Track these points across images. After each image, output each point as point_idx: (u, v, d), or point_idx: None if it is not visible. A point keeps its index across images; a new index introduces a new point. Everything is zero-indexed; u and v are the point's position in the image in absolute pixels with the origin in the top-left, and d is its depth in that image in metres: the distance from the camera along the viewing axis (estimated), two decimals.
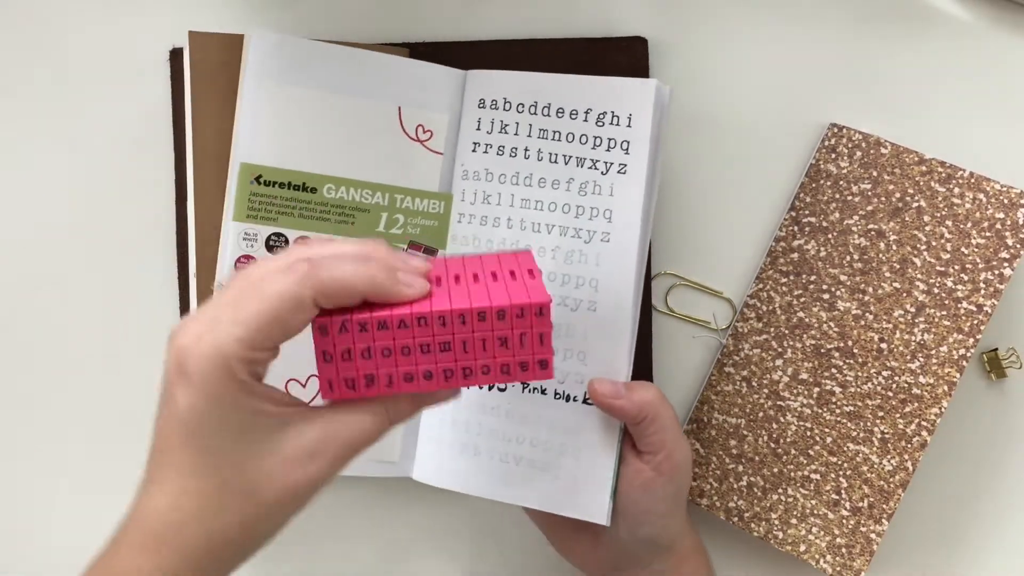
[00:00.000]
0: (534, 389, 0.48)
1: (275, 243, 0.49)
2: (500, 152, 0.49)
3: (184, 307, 0.53)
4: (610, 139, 0.47)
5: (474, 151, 0.50)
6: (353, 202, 0.49)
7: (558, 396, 0.48)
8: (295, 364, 0.49)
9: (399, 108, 0.50)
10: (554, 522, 0.50)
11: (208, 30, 0.49)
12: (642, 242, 0.47)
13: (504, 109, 0.49)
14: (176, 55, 0.54)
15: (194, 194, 0.50)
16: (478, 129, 0.50)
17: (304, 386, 0.50)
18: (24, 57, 0.55)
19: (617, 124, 0.47)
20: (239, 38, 0.49)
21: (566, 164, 0.48)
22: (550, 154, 0.48)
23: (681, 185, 0.55)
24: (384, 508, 0.56)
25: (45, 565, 0.55)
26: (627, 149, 0.47)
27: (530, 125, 0.48)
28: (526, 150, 0.49)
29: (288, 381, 0.50)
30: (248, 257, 0.49)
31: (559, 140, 0.48)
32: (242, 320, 0.33)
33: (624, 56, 0.54)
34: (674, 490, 0.46)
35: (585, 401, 0.48)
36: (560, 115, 0.48)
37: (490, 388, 0.49)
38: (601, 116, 0.47)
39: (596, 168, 0.47)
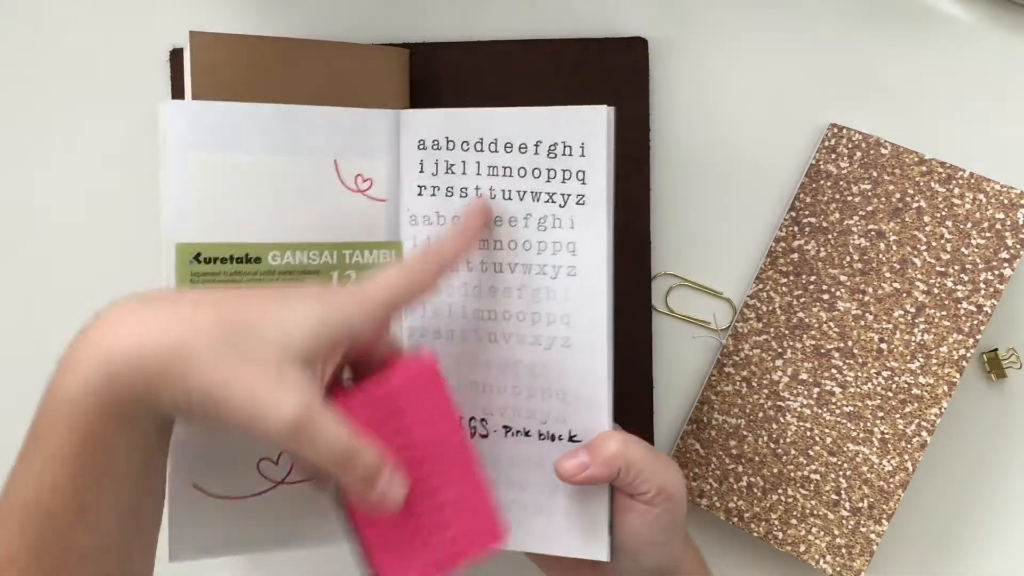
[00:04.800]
0: (518, 432, 0.47)
1: None
2: (449, 194, 0.47)
3: None
4: (564, 170, 0.45)
5: (420, 195, 0.47)
6: (301, 265, 0.47)
7: (543, 436, 0.46)
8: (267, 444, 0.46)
9: (335, 160, 0.47)
10: (554, 559, 0.48)
11: (208, 30, 0.49)
12: (609, 271, 0.45)
13: (448, 149, 0.47)
14: (176, 55, 0.54)
15: None
16: (421, 172, 0.47)
17: (276, 463, 0.47)
18: (24, 57, 0.55)
19: (570, 154, 0.45)
20: (240, 38, 0.49)
21: (521, 200, 0.46)
22: (503, 191, 0.46)
23: (681, 185, 0.55)
24: None
25: None
26: (583, 179, 0.45)
27: (477, 163, 0.46)
28: (476, 189, 0.46)
29: (260, 460, 0.47)
30: None
31: (510, 176, 0.46)
32: None
33: (624, 56, 0.54)
34: (671, 519, 0.45)
35: (571, 439, 0.46)
36: (508, 150, 0.46)
37: (472, 436, 0.47)
38: (552, 147, 0.45)
39: (553, 201, 0.45)
